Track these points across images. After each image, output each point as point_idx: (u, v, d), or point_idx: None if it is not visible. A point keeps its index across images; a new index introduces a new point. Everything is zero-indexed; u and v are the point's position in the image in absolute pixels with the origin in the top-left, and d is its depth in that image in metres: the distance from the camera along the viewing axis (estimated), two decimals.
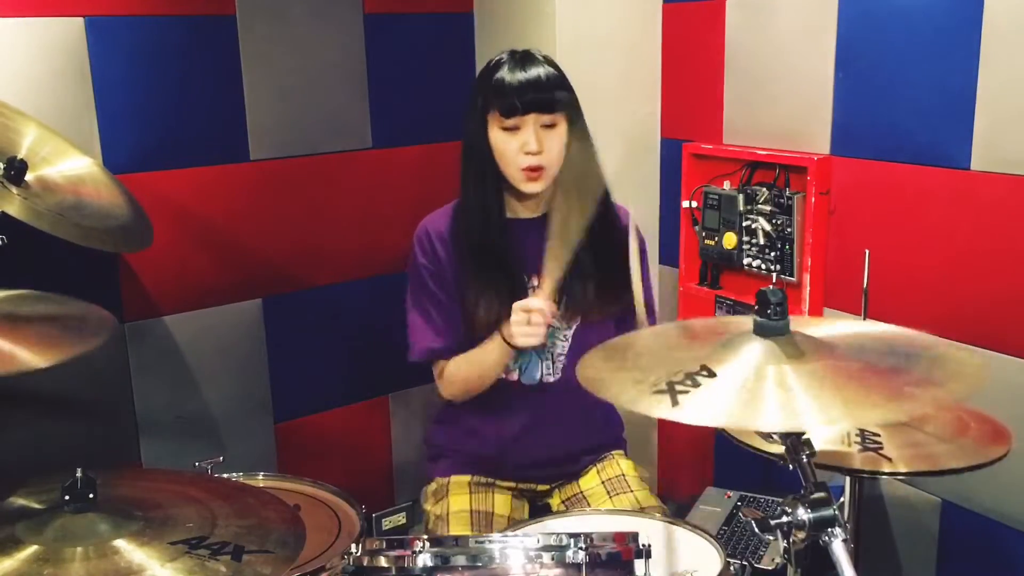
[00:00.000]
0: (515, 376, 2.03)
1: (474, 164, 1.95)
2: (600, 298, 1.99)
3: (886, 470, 1.60)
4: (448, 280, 1.99)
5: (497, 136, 1.90)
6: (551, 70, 1.91)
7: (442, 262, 1.99)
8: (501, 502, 2.07)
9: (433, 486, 2.13)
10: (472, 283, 1.95)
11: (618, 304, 1.98)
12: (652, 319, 2.06)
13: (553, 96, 1.89)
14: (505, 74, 1.89)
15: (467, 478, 2.09)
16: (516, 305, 1.85)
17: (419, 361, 2.03)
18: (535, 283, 1.97)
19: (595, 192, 1.94)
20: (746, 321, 1.33)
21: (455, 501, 2.04)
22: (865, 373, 1.28)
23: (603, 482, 2.09)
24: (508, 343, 1.88)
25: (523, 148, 1.87)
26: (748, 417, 1.20)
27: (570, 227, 1.83)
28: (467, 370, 1.98)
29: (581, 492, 2.09)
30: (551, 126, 1.89)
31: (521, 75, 1.88)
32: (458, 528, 1.97)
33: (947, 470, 1.59)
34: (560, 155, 1.91)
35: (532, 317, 1.83)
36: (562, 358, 2.03)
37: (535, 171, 1.89)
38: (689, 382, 1.23)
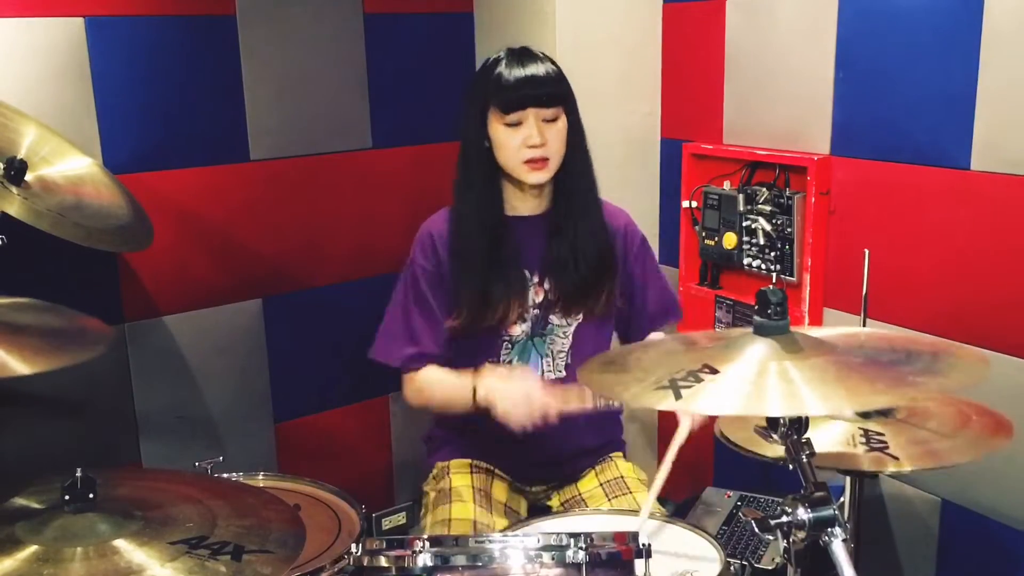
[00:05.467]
0: None
1: (473, 162, 1.95)
2: (592, 297, 2.00)
3: (891, 468, 1.60)
4: (444, 284, 1.99)
5: (499, 132, 1.90)
6: (550, 65, 1.93)
7: (442, 264, 1.99)
8: (500, 487, 2.08)
9: (434, 471, 2.14)
10: (474, 280, 1.95)
11: (610, 303, 2.00)
12: (676, 317, 2.11)
13: (553, 90, 1.91)
14: (504, 71, 1.90)
15: (467, 461, 2.11)
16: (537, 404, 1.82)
17: (382, 363, 2.02)
18: (535, 279, 1.97)
19: (592, 190, 1.98)
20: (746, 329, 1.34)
21: (456, 479, 2.06)
22: (867, 366, 1.29)
23: (602, 484, 2.08)
24: (475, 397, 1.88)
25: (526, 142, 1.89)
26: (752, 406, 1.20)
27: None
28: (436, 390, 1.99)
29: (580, 495, 2.09)
30: (552, 120, 1.90)
31: (520, 71, 1.89)
32: (460, 503, 1.98)
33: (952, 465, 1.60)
34: (561, 147, 1.93)
35: (537, 408, 1.81)
36: (563, 355, 2.03)
37: (538, 162, 1.90)
38: (692, 379, 1.24)
